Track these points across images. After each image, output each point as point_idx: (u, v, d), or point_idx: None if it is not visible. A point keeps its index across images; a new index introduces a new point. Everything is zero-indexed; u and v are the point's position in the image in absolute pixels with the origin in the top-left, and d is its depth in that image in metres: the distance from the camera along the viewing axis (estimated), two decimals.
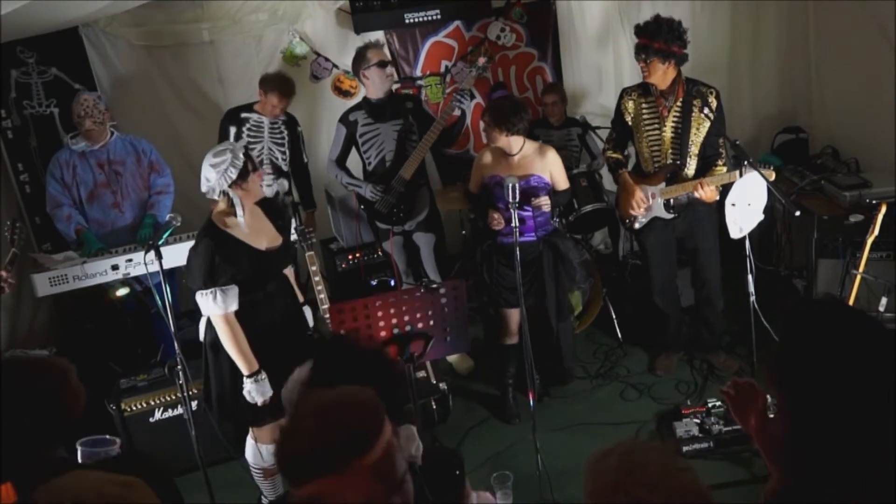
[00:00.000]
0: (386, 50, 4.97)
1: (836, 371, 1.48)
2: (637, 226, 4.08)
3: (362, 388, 1.47)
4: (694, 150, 3.86)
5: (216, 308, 2.89)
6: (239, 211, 2.94)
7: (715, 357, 4.25)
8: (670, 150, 3.87)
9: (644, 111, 3.88)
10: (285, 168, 4.55)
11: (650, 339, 4.48)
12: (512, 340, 3.99)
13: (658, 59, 3.68)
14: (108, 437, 2.10)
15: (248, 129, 4.49)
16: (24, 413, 1.80)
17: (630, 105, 3.93)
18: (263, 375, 2.98)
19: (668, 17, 3.72)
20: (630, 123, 3.96)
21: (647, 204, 3.95)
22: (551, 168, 3.77)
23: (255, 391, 2.97)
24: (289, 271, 3.31)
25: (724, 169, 3.84)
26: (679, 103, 3.80)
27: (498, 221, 3.77)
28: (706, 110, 3.71)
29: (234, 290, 2.91)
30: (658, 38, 3.65)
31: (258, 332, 3.02)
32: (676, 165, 3.87)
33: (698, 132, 3.81)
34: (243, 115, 4.50)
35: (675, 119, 3.81)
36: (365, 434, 1.40)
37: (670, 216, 3.97)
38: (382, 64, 4.18)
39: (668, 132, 3.84)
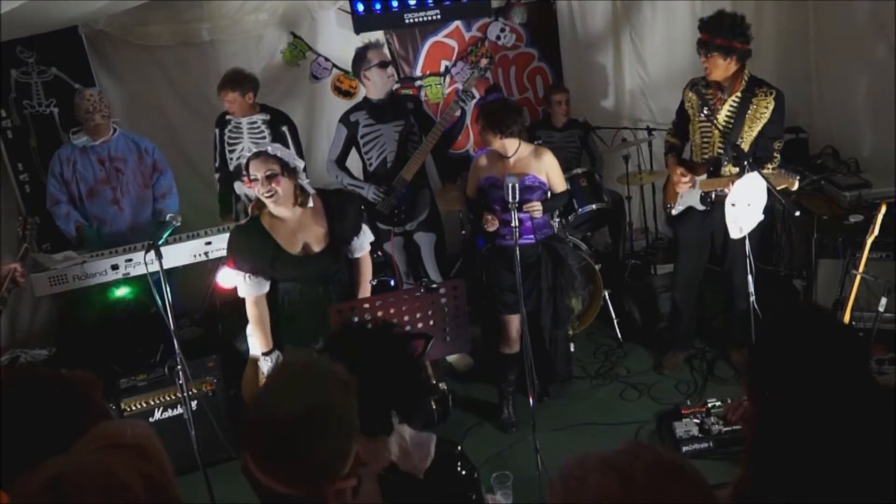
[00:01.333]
0: (386, 50, 4.97)
1: (801, 375, 1.50)
2: (674, 212, 4.06)
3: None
4: (742, 147, 3.75)
5: (241, 290, 3.14)
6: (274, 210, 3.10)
7: (734, 353, 4.23)
8: (718, 143, 3.81)
9: (701, 102, 3.83)
10: None
11: (657, 334, 4.51)
12: (512, 350, 3.90)
13: (719, 55, 3.62)
14: None
15: (229, 132, 4.49)
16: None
17: (693, 95, 3.87)
18: (276, 355, 3.18)
19: (731, 12, 3.66)
20: (690, 113, 3.93)
21: (688, 179, 3.87)
22: (547, 169, 3.73)
23: (265, 368, 3.20)
24: (366, 265, 3.38)
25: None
26: (735, 98, 3.73)
27: (491, 222, 3.73)
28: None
29: (258, 279, 3.11)
30: (720, 35, 3.59)
31: (287, 319, 3.21)
32: (720, 159, 3.80)
33: (750, 130, 3.74)
34: (227, 116, 4.50)
35: (728, 114, 3.75)
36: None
37: (702, 208, 3.92)
38: (383, 64, 4.17)
39: (718, 125, 3.76)
